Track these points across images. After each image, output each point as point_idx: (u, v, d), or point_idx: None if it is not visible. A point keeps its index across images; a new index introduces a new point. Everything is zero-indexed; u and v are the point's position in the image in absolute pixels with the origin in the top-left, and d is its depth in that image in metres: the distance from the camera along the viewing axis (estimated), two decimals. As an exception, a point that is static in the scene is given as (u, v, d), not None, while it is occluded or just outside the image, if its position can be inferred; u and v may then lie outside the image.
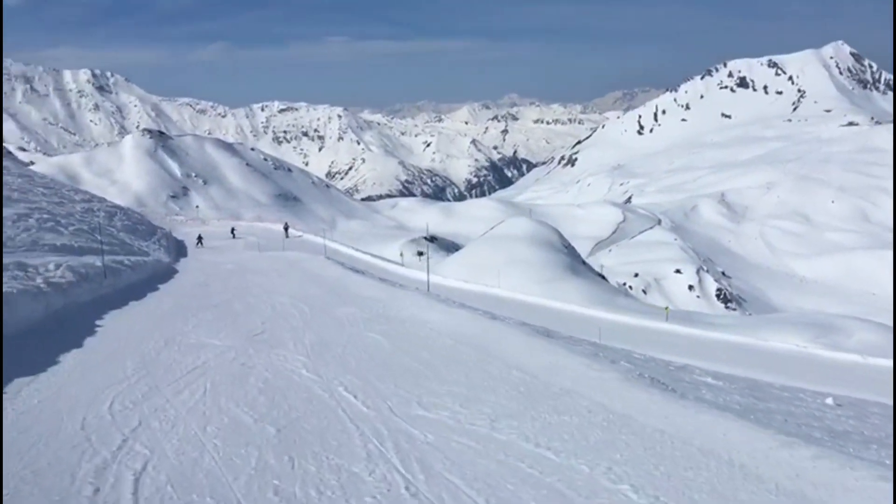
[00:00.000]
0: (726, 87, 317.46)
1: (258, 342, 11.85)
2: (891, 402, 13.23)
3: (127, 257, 24.28)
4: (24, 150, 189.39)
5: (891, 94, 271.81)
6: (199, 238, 48.32)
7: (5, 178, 33.21)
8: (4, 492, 5.39)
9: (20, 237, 20.51)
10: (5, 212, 22.75)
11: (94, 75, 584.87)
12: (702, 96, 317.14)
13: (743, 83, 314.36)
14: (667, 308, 39.44)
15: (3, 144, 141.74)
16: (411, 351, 11.69)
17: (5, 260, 15.13)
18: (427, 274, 34.60)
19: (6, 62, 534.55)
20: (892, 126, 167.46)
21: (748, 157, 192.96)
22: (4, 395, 7.92)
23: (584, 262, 59.18)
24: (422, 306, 17.30)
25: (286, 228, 55.54)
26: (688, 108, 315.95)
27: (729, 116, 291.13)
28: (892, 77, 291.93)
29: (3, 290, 11.89)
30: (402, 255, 48.97)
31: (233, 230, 55.08)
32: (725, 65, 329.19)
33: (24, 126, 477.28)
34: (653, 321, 34.12)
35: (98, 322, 13.56)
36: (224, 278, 24.55)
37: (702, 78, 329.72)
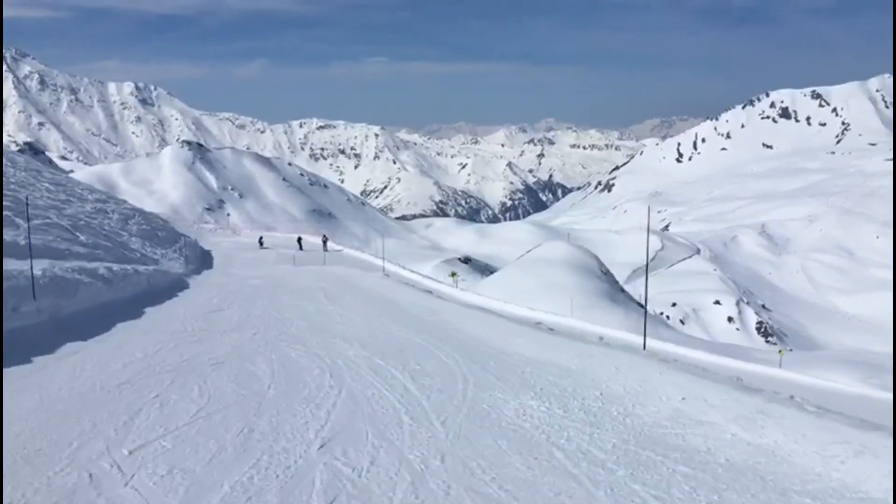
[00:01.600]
0: (768, 117, 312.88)
1: None
2: None
3: (113, 265, 17.62)
4: (66, 158, 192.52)
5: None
6: (261, 240, 49.73)
7: (6, 170, 29.84)
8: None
9: None
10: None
11: (137, 88, 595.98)
12: (743, 125, 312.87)
13: (785, 114, 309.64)
14: (781, 351, 36.87)
15: (45, 153, 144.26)
16: None
17: None
18: (644, 324, 21.10)
19: (53, 72, 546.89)
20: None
21: (790, 189, 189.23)
22: None
23: (622, 290, 57.57)
24: (730, 410, 8.35)
25: (325, 241, 50.13)
26: (728, 136, 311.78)
27: (770, 147, 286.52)
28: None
29: None
30: (454, 275, 41.97)
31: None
32: (768, 94, 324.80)
33: (67, 136, 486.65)
34: (763, 366, 28.51)
35: None
36: (247, 300, 17.54)
37: (743, 107, 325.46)
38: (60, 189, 31.62)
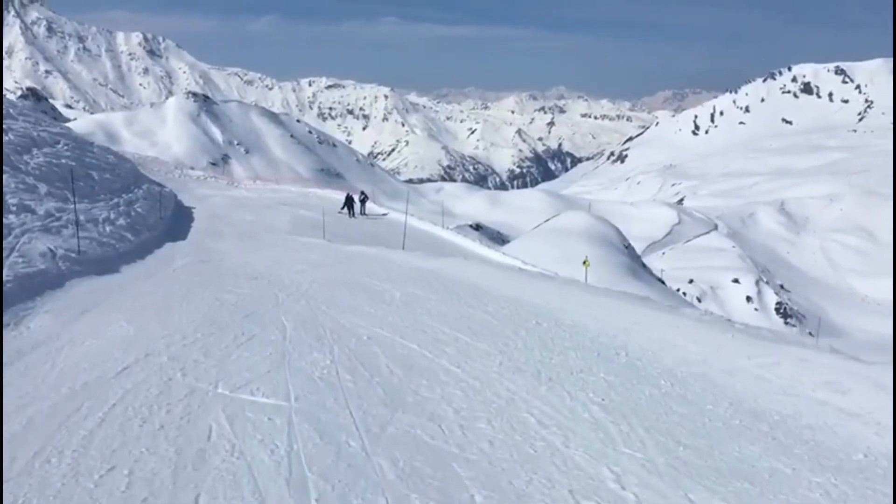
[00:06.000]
0: (789, 91, 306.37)
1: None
2: None
3: None
4: (70, 107, 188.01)
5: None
6: (349, 203, 35.39)
7: None
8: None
9: None
10: None
11: (145, 39, 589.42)
12: (763, 100, 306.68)
13: (807, 89, 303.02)
14: None
15: (49, 100, 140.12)
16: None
17: None
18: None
19: (61, 20, 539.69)
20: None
21: (809, 166, 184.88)
22: None
23: (643, 265, 54.47)
24: None
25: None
26: (747, 110, 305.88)
27: (790, 122, 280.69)
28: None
29: None
30: (586, 263, 26.67)
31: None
32: (790, 69, 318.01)
33: (74, 85, 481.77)
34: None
35: None
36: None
37: (764, 81, 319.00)
38: None
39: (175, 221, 24.15)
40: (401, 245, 24.00)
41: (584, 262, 27.91)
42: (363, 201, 37.76)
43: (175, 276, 14.07)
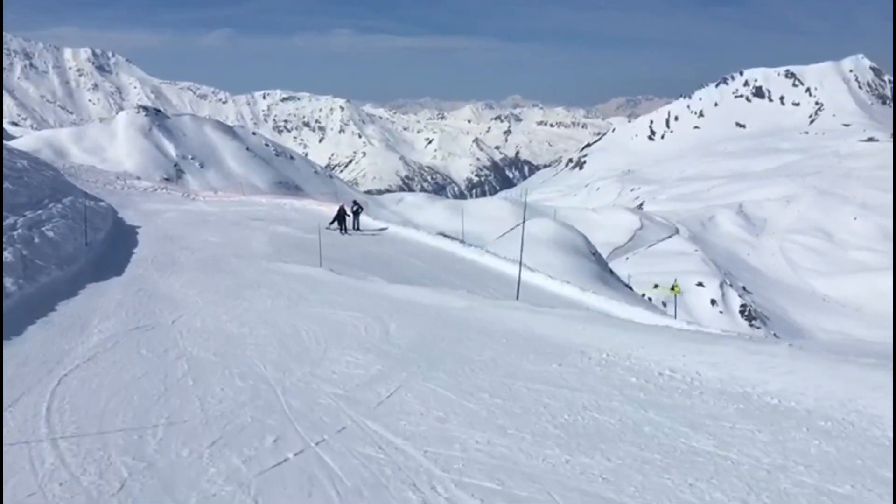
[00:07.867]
0: (742, 95, 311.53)
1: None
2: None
3: None
4: (17, 125, 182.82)
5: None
6: (340, 217, 29.97)
7: None
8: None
9: None
10: None
11: (94, 54, 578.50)
12: (716, 104, 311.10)
13: (759, 93, 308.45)
14: None
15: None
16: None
17: None
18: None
19: (6, 36, 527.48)
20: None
21: (763, 169, 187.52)
22: None
23: (612, 272, 53.61)
24: None
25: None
26: (701, 115, 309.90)
27: (743, 126, 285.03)
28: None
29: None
30: (675, 289, 21.48)
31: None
32: (742, 73, 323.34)
33: (21, 102, 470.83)
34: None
35: None
36: None
37: (717, 85, 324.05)
38: None
39: (109, 248, 18.49)
40: (438, 276, 17.58)
41: (674, 288, 25.16)
42: (356, 213, 31.62)
43: (37, 443, 6.13)
